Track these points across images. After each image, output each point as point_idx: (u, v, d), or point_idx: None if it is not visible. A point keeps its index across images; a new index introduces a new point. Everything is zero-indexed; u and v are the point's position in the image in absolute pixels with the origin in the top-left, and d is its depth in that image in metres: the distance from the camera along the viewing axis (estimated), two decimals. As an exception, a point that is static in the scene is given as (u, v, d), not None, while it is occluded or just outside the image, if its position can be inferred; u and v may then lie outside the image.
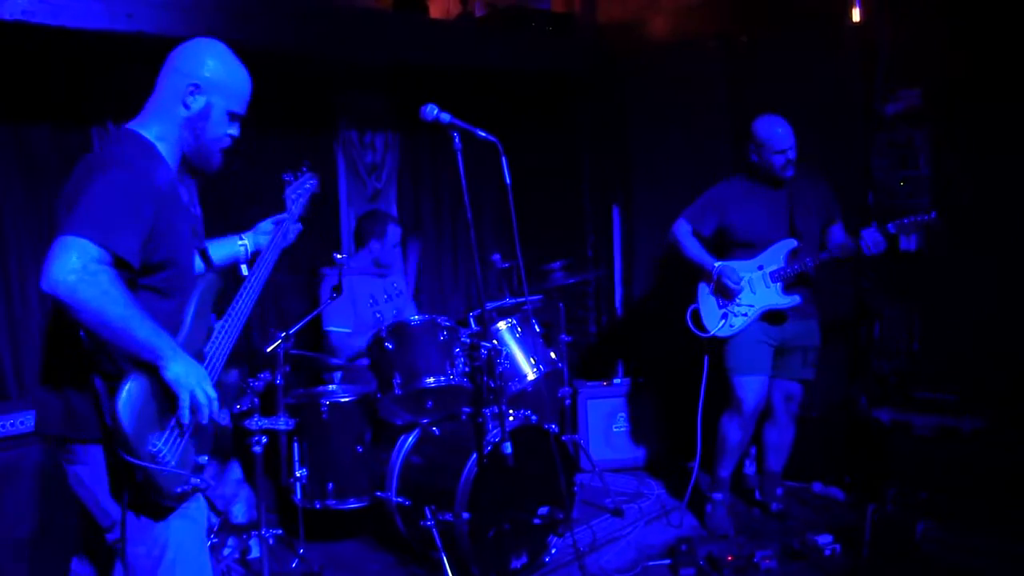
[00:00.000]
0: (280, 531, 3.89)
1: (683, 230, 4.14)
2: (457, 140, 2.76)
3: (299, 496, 3.84)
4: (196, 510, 2.28)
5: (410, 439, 3.94)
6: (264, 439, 3.59)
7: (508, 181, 2.77)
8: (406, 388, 3.78)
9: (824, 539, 3.77)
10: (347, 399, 4.02)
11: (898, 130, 4.31)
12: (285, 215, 2.75)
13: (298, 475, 3.85)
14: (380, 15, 4.81)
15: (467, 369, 3.79)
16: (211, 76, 2.23)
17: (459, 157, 2.76)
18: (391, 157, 5.43)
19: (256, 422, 3.59)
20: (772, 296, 3.98)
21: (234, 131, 2.32)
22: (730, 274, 3.97)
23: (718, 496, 4.20)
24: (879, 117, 4.36)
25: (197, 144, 2.25)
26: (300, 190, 2.84)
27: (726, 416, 4.10)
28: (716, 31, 4.99)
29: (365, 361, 4.12)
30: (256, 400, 3.64)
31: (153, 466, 2.01)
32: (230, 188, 4.51)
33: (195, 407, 2.08)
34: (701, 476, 4.30)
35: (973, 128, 4.08)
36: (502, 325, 4.17)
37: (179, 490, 2.10)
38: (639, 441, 5.16)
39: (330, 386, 4.38)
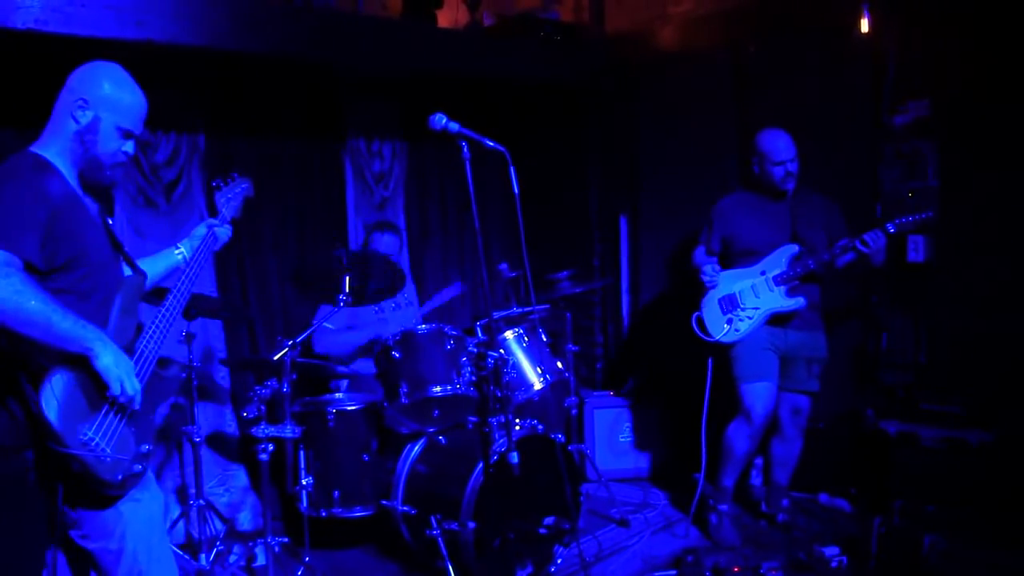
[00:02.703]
0: (286, 539, 3.88)
1: (698, 253, 4.28)
2: (466, 150, 2.75)
3: (305, 504, 3.84)
4: (150, 499, 2.36)
5: (416, 448, 3.94)
6: (270, 447, 3.59)
7: (516, 191, 2.77)
8: (412, 397, 3.79)
9: (831, 551, 3.75)
10: (353, 407, 4.02)
11: (906, 141, 4.31)
12: (216, 219, 2.83)
13: (304, 483, 3.84)
14: (388, 24, 4.82)
15: (474, 378, 3.79)
16: (99, 92, 2.32)
17: (467, 167, 2.76)
18: (398, 166, 5.44)
19: (262, 430, 3.59)
20: (776, 299, 3.99)
21: (128, 148, 2.40)
22: (709, 271, 4.05)
23: (723, 507, 4.18)
24: (887, 128, 4.36)
25: (87, 157, 2.33)
26: (231, 194, 2.93)
27: (734, 425, 4.08)
28: (724, 42, 5.00)
29: (372, 369, 4.12)
30: (263, 408, 3.65)
31: (86, 453, 2.07)
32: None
33: (123, 396, 2.15)
34: (705, 486, 4.28)
35: (981, 139, 4.08)
36: (509, 334, 4.17)
37: (120, 477, 2.17)
38: (645, 451, 5.14)
39: (336, 394, 4.39)
